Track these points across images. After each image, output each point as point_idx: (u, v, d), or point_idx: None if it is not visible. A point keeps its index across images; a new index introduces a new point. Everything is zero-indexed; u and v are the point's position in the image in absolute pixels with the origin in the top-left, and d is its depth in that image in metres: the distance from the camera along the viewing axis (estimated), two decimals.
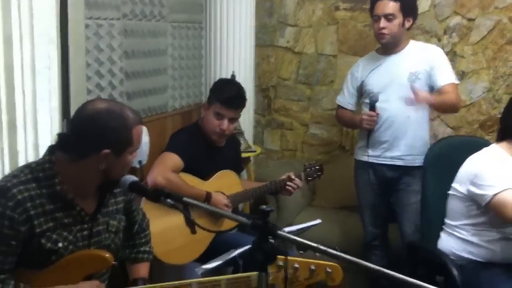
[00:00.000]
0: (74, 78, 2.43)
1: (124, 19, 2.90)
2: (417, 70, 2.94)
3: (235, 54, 3.75)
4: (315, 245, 1.28)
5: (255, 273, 1.81)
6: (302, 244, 1.30)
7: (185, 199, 1.56)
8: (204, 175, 2.74)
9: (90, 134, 1.69)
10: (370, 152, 3.01)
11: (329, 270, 1.79)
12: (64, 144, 1.74)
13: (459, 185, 2.37)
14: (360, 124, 3.02)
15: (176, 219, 2.53)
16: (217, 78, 3.63)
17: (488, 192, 2.21)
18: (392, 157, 3.01)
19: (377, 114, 2.94)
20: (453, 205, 2.41)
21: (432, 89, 2.97)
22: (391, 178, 3.04)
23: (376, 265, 3.35)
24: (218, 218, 2.74)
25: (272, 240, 1.35)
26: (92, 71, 2.68)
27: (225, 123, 2.75)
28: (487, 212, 2.27)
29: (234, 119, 2.82)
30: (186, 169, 2.68)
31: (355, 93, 3.15)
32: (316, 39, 4.05)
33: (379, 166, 3.05)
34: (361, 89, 3.11)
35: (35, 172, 1.69)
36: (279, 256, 1.65)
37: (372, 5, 2.99)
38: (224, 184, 2.76)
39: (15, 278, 1.66)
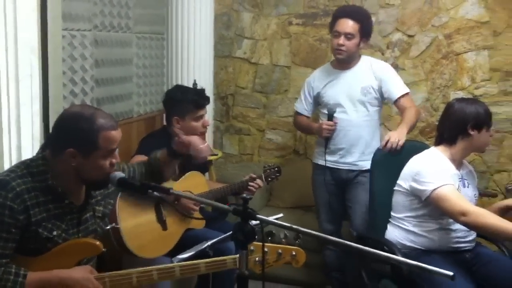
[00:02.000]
0: (52, 85, 2.57)
1: (94, 30, 3.05)
2: (368, 84, 3.21)
3: (195, 63, 3.87)
4: (289, 225, 1.53)
5: (230, 257, 2.06)
6: (281, 226, 1.54)
7: (172, 191, 1.77)
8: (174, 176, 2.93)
9: (59, 133, 1.90)
10: (328, 157, 3.25)
11: (294, 254, 2.05)
12: (46, 143, 1.94)
13: (403, 182, 2.62)
14: (318, 132, 3.27)
15: (149, 216, 2.72)
16: None
17: (428, 187, 2.47)
18: (347, 163, 3.26)
19: (335, 123, 3.19)
20: (397, 199, 2.67)
21: (381, 99, 3.26)
22: (347, 178, 3.29)
23: (332, 258, 3.63)
24: (186, 216, 2.93)
25: (251, 223, 1.59)
26: (66, 79, 2.81)
27: (206, 119, 3.05)
28: (427, 205, 2.53)
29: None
30: None
31: (312, 101, 3.38)
32: (271, 51, 4.26)
33: (336, 169, 3.30)
34: (318, 99, 3.35)
35: (30, 168, 1.87)
36: (255, 243, 1.91)
37: (334, 20, 3.20)
38: (192, 184, 2.93)
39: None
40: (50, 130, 2.41)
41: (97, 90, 3.12)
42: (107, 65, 3.22)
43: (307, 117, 3.45)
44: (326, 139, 3.24)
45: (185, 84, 3.76)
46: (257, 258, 2.03)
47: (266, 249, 2.02)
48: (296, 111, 3.49)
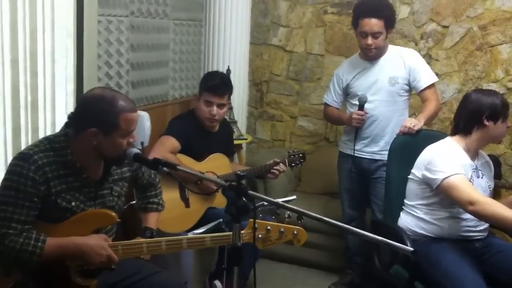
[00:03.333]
0: (87, 67, 2.76)
1: (131, 16, 3.23)
2: (396, 75, 3.23)
3: (231, 50, 4.00)
4: (282, 203, 1.65)
5: (208, 236, 2.18)
6: (275, 204, 1.67)
7: (178, 167, 1.91)
8: (198, 157, 3.07)
9: (81, 114, 2.05)
10: (356, 147, 3.31)
11: (295, 233, 2.17)
12: (69, 122, 2.10)
13: (416, 170, 2.66)
14: (348, 122, 3.31)
15: (173, 194, 2.87)
16: None
17: (439, 176, 2.51)
18: (370, 152, 3.31)
19: (366, 113, 3.23)
20: (410, 187, 2.71)
21: (410, 90, 3.29)
22: (367, 168, 3.35)
23: (355, 242, 3.72)
24: (210, 195, 3.08)
25: (244, 199, 1.71)
26: (102, 62, 3.01)
27: (214, 109, 3.08)
28: (438, 194, 2.57)
29: (222, 105, 3.12)
30: (182, 151, 3.01)
31: (341, 93, 3.42)
32: (305, 39, 4.33)
33: (359, 158, 3.35)
34: (346, 90, 3.39)
35: (52, 143, 2.04)
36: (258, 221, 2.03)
37: (356, 21, 3.19)
38: (215, 166, 3.07)
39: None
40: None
41: (132, 74, 3.30)
42: (143, 50, 3.40)
43: (337, 108, 3.49)
44: (356, 129, 3.28)
45: (221, 69, 3.88)
46: (260, 235, 2.14)
47: (269, 227, 2.14)
48: (325, 103, 3.53)
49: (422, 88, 3.23)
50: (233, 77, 3.77)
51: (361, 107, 3.23)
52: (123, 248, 2.09)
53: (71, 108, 2.64)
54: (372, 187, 3.36)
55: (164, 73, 3.71)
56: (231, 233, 2.20)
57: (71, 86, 2.66)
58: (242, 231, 2.06)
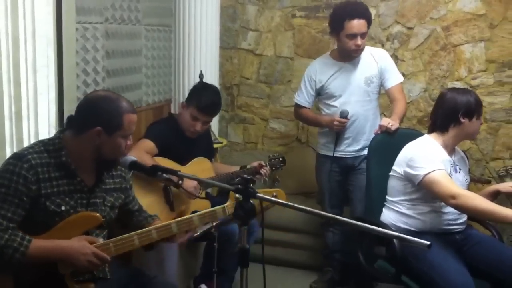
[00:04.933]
0: (66, 75, 2.72)
1: (106, 23, 3.19)
2: (371, 74, 3.35)
3: (201, 55, 3.98)
4: (286, 203, 1.69)
5: (219, 207, 2.19)
6: (278, 203, 1.70)
7: (179, 172, 1.93)
8: (180, 161, 3.07)
9: (87, 113, 2.07)
10: (336, 148, 3.38)
11: (275, 194, 2.17)
12: (69, 122, 2.12)
13: (398, 167, 2.76)
14: (328, 126, 3.37)
15: (157, 198, 2.88)
16: (185, 77, 3.93)
17: (420, 172, 2.61)
18: (354, 151, 3.40)
19: (348, 119, 3.30)
20: (392, 184, 2.81)
21: (380, 86, 3.40)
22: (352, 165, 3.43)
23: (333, 240, 3.78)
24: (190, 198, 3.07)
25: (252, 202, 1.75)
26: (79, 70, 2.95)
27: (199, 126, 3.10)
28: (420, 189, 2.67)
29: (207, 122, 3.17)
30: (164, 155, 3.01)
31: (314, 94, 3.48)
32: (275, 42, 4.39)
33: (342, 158, 3.43)
34: (320, 91, 3.45)
35: (46, 145, 2.06)
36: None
37: (341, 23, 3.20)
38: (198, 170, 3.08)
39: None
40: (65, 115, 2.62)
41: (108, 81, 3.26)
42: (118, 57, 3.36)
43: (308, 108, 3.55)
44: (337, 133, 3.34)
45: (192, 75, 3.91)
46: None
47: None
48: (297, 104, 3.57)
49: (390, 86, 3.34)
50: (204, 81, 3.78)
51: (342, 118, 3.30)
52: (115, 245, 2.06)
53: (53, 117, 2.59)
54: (353, 178, 3.44)
55: (137, 79, 3.68)
56: (216, 208, 2.23)
57: (52, 95, 2.60)
58: (226, 204, 2.15)
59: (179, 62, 4.04)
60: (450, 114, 2.72)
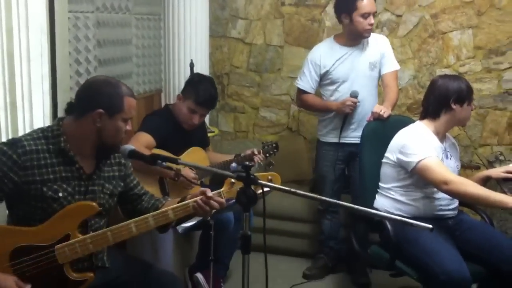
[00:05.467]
0: (60, 65, 2.71)
1: (97, 12, 3.18)
2: (375, 60, 3.39)
3: (191, 44, 3.96)
4: (287, 188, 1.71)
5: (215, 192, 2.11)
6: (280, 190, 1.72)
7: (180, 160, 1.94)
8: (176, 152, 3.07)
9: (88, 96, 2.09)
10: (342, 133, 3.40)
11: (270, 178, 2.20)
12: (69, 108, 2.14)
13: (390, 154, 2.80)
14: (338, 109, 3.36)
15: (153, 189, 2.88)
16: (175, 66, 3.91)
17: (413, 159, 2.65)
18: (359, 136, 3.32)
19: (358, 101, 3.33)
20: (385, 171, 2.85)
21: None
22: (355, 152, 3.40)
23: (330, 227, 3.81)
24: (188, 189, 3.09)
25: (253, 188, 1.77)
26: (72, 59, 2.94)
27: (197, 118, 3.12)
28: (413, 176, 2.71)
29: (205, 115, 3.19)
30: (160, 147, 3.02)
31: (318, 79, 3.48)
32: (264, 31, 4.39)
33: (347, 144, 3.44)
34: (324, 76, 3.45)
35: (45, 132, 2.07)
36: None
37: (353, 4, 3.24)
38: (193, 159, 3.10)
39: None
40: (59, 105, 2.62)
41: (100, 70, 3.25)
42: (109, 46, 3.34)
43: (312, 94, 3.54)
44: (345, 116, 3.36)
45: (182, 64, 3.90)
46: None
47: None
48: (300, 89, 3.55)
49: (386, 72, 3.39)
50: (194, 70, 3.77)
51: (354, 97, 3.34)
52: (113, 233, 2.05)
53: (48, 107, 2.60)
54: (354, 164, 3.41)
55: (128, 68, 3.66)
56: (213, 193, 2.14)
57: (47, 85, 2.60)
58: (221, 189, 2.10)
59: (169, 51, 4.02)
60: (441, 100, 2.76)
